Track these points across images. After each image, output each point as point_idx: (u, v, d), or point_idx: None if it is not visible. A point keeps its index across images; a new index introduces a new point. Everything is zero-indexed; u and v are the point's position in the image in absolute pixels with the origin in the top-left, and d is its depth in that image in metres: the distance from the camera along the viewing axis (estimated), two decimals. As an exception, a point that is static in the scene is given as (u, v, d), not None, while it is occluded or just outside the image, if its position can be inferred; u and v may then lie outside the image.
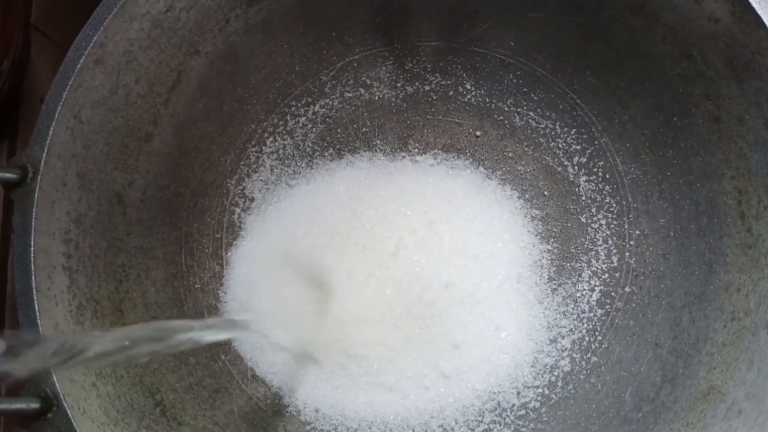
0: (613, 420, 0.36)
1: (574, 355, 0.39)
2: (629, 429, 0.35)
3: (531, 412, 0.38)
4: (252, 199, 0.44)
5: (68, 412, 0.32)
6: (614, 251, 0.40)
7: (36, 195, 0.34)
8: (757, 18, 0.31)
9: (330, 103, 0.45)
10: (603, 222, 0.41)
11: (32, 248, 0.34)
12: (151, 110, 0.40)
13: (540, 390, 0.38)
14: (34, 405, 0.31)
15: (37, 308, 0.33)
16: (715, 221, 0.35)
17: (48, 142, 0.35)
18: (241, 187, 0.44)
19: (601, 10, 0.38)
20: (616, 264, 0.40)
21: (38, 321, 0.33)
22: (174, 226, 0.41)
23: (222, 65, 0.42)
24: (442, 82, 0.44)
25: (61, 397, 0.32)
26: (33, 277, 0.33)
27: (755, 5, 0.31)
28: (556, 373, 0.39)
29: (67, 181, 0.36)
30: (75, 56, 0.36)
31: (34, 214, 0.34)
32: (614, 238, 0.40)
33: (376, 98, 0.45)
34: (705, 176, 0.36)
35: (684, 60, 0.36)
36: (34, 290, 0.33)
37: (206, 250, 0.42)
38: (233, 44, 0.42)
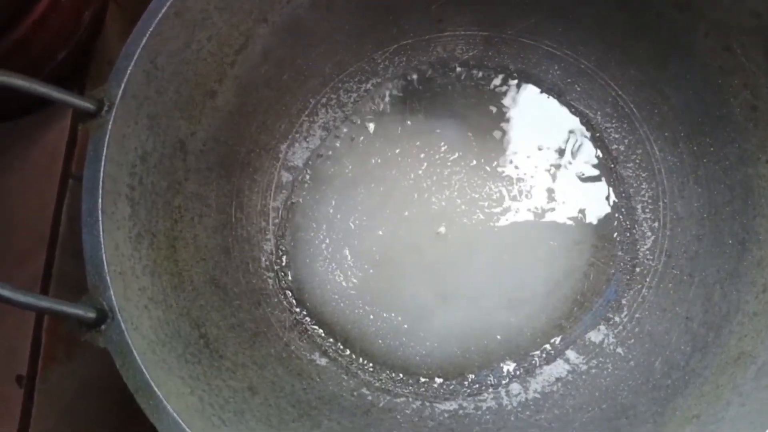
0: (642, 386, 0.36)
1: (603, 328, 0.40)
2: (659, 395, 0.35)
3: (559, 381, 0.39)
4: (301, 165, 0.46)
5: (122, 325, 0.33)
6: (648, 234, 0.42)
7: (109, 126, 0.37)
8: (799, 9, 0.33)
9: (381, 82, 0.48)
10: (638, 206, 0.42)
11: (101, 173, 0.36)
12: (218, 69, 0.42)
13: (569, 358, 0.40)
14: (91, 314, 0.33)
15: (101, 227, 0.35)
16: (749, 203, 0.37)
17: (125, 80, 0.38)
18: (291, 152, 0.46)
19: (648, 7, 0.41)
20: (649, 245, 0.41)
21: (101, 239, 0.35)
22: (228, 179, 0.44)
23: (286, 35, 0.45)
24: (490, 70, 0.47)
25: (117, 310, 0.33)
26: (100, 199, 0.35)
27: (797, -2, 0.33)
28: (585, 344, 0.40)
29: (138, 120, 0.38)
30: (158, 6, 0.39)
31: (106, 143, 0.36)
32: (649, 222, 0.42)
33: (426, 81, 0.47)
34: (741, 161, 0.38)
35: (725, 53, 0.38)
36: (100, 211, 0.35)
37: (255, 206, 0.44)
38: (298, 17, 0.44)
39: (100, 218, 0.35)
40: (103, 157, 0.36)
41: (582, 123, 0.44)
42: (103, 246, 0.35)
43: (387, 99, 0.47)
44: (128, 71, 0.38)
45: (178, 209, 0.40)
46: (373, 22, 0.46)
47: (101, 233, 0.35)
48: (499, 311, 0.40)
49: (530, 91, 0.46)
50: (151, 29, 0.38)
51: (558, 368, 0.40)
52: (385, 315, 0.40)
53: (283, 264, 0.43)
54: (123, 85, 0.37)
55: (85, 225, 0.35)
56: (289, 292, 0.43)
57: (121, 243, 0.36)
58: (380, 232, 0.42)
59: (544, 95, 0.45)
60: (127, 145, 0.38)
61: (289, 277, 0.43)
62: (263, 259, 0.43)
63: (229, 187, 0.44)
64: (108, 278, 0.34)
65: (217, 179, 0.43)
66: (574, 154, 0.44)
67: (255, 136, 0.45)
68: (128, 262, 0.36)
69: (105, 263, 0.34)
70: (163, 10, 0.39)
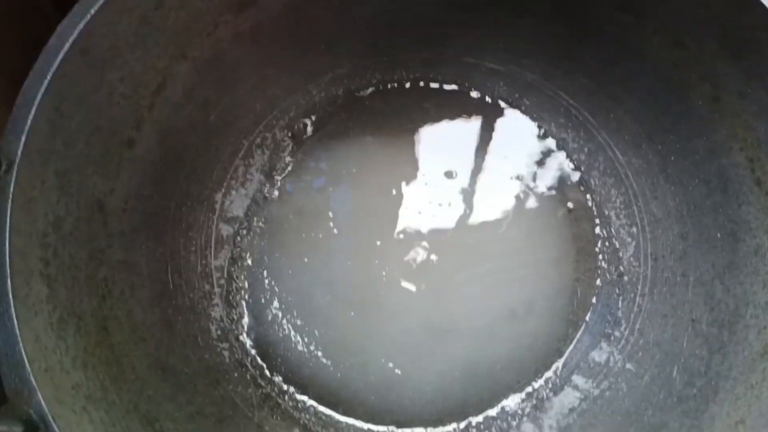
0: (666, 401, 0.34)
1: (605, 345, 0.37)
2: (688, 406, 0.33)
3: (573, 411, 0.35)
4: (242, 214, 0.40)
5: (59, 436, 0.25)
6: (628, 240, 0.40)
7: (11, 189, 0.29)
8: (750, -7, 0.33)
9: (318, 113, 0.43)
10: (611, 213, 0.41)
11: (7, 247, 0.28)
12: (135, 113, 0.36)
13: (577, 384, 0.36)
14: (16, 429, 0.25)
15: (14, 316, 0.27)
16: (729, 193, 0.36)
17: (26, 132, 0.31)
18: (228, 201, 0.40)
19: (590, 13, 0.40)
20: (632, 251, 0.39)
21: (17, 331, 0.27)
22: (158, 240, 0.37)
23: (209, 72, 0.39)
24: (433, 91, 0.44)
25: (50, 419, 0.26)
26: (9, 280, 0.28)
27: (746, -17, 0.33)
28: (590, 366, 0.37)
29: (46, 179, 0.31)
30: (58, 43, 0.32)
31: (9, 209, 0.29)
32: (626, 227, 0.40)
33: (368, 107, 0.44)
34: (712, 154, 0.37)
35: (677, 49, 0.38)
36: (10, 295, 0.28)
37: (195, 268, 0.38)
38: (221, 51, 0.39)
39: (12, 304, 0.27)
40: (8, 228, 0.29)
41: (542, 135, 0.42)
42: (20, 339, 0.27)
43: (328, 129, 0.43)
44: (29, 120, 0.31)
45: (104, 283, 0.33)
46: (304, 52, 0.42)
47: (15, 323, 0.27)
48: (502, 326, 0.36)
49: (483, 104, 0.43)
50: (53, 69, 0.32)
51: (568, 397, 0.36)
52: (372, 365, 0.35)
53: (243, 330, 0.37)
54: (24, 138, 0.30)
55: (-7, 316, 0.27)
56: (251, 363, 0.36)
57: (42, 332, 0.28)
58: (350, 263, 0.37)
59: (497, 107, 0.43)
60: (35, 211, 0.31)
61: (249, 344, 0.36)
62: (213, 328, 0.37)
63: (161, 250, 0.37)
64: (33, 380, 0.26)
65: (145, 242, 0.36)
66: (538, 165, 0.42)
67: (184, 187, 0.39)
68: (54, 356, 0.28)
69: (26, 361, 0.26)
70: (66, 47, 0.32)
